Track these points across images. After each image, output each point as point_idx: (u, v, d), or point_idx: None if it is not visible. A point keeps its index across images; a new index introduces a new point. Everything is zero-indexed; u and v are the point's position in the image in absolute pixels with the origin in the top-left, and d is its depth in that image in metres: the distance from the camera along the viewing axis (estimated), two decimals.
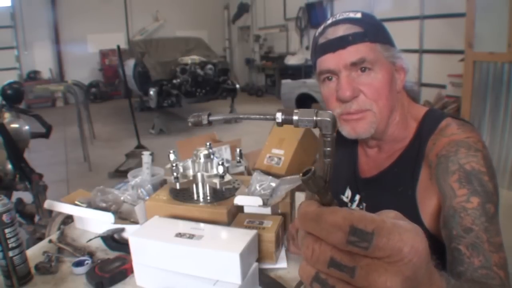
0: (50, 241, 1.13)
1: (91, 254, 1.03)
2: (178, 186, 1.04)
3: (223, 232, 0.92)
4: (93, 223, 1.18)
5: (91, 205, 1.22)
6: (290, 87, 7.21)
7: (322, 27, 0.82)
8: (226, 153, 1.62)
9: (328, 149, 0.32)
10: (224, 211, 1.01)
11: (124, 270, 0.93)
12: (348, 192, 0.95)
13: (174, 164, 1.04)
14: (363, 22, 0.78)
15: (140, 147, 4.88)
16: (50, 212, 1.92)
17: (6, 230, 0.86)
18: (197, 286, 0.83)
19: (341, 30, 0.77)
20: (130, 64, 7.36)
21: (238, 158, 1.32)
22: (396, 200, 0.80)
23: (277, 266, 0.96)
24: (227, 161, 1.38)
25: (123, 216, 1.17)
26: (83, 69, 10.09)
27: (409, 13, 5.53)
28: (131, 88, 6.82)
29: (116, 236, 1.10)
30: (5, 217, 0.86)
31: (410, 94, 0.87)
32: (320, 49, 0.80)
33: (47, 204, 1.22)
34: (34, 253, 1.04)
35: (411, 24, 5.48)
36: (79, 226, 1.23)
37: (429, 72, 5.29)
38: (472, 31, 3.35)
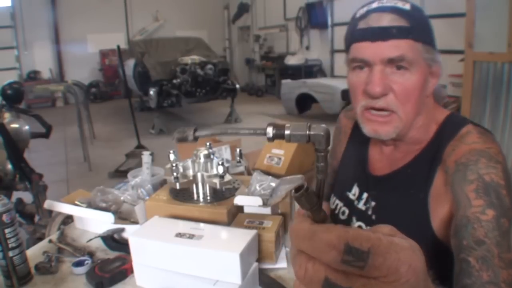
0: (50, 241, 1.13)
1: (91, 254, 1.03)
2: (178, 186, 1.04)
3: (223, 232, 0.92)
4: (93, 223, 1.18)
5: (91, 205, 1.22)
6: (290, 87, 7.21)
7: (365, 9, 0.75)
8: (226, 153, 1.62)
9: (322, 164, 0.30)
10: (224, 211, 1.01)
11: (124, 270, 0.93)
12: (356, 190, 0.92)
13: (174, 164, 1.04)
14: (411, 16, 0.71)
15: (140, 147, 4.88)
16: (50, 212, 1.92)
17: (6, 230, 0.86)
18: (197, 286, 0.83)
19: (386, 20, 0.71)
20: (130, 64, 7.36)
21: (238, 158, 1.32)
22: (407, 201, 0.78)
23: (277, 266, 0.96)
24: (227, 161, 1.38)
25: (123, 216, 1.17)
26: (83, 69, 10.10)
27: None
28: (131, 88, 6.81)
29: (116, 236, 1.10)
30: (5, 217, 0.86)
31: (435, 97, 0.84)
32: (359, 34, 0.74)
33: (47, 204, 1.22)
34: (34, 253, 1.04)
35: None
36: (79, 226, 1.23)
37: None
38: (472, 31, 3.36)
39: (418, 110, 0.77)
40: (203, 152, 1.07)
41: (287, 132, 0.31)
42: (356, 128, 0.90)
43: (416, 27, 0.72)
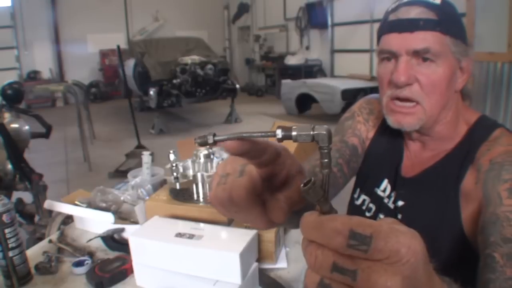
0: (50, 241, 1.13)
1: (91, 254, 1.03)
2: (178, 186, 1.04)
3: (223, 232, 0.92)
4: (93, 223, 1.18)
5: (91, 205, 1.22)
6: (290, 87, 7.22)
7: (396, 3, 0.77)
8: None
9: (326, 160, 0.34)
10: None
11: (124, 270, 0.93)
12: (386, 186, 0.90)
13: (174, 164, 1.04)
14: (440, 10, 0.72)
15: (140, 147, 4.88)
16: (50, 212, 1.92)
17: (6, 230, 0.86)
18: (197, 286, 0.83)
19: (414, 12, 0.72)
20: (130, 64, 7.36)
21: None
22: (437, 201, 0.78)
23: (277, 266, 0.96)
24: None
25: (123, 216, 1.18)
26: (83, 69, 10.10)
27: None
28: (131, 88, 6.82)
29: (116, 236, 1.10)
30: (5, 217, 0.86)
31: (466, 98, 0.84)
32: (387, 26, 0.76)
33: (47, 204, 1.22)
34: (34, 253, 1.04)
35: None
36: (79, 226, 1.23)
37: None
38: (472, 31, 3.36)
39: (444, 103, 0.77)
40: (203, 152, 1.07)
41: (294, 133, 0.35)
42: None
43: (444, 20, 0.72)
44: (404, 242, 0.29)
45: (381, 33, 0.79)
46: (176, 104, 6.60)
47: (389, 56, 0.77)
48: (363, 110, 1.00)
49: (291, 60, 9.12)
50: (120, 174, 3.97)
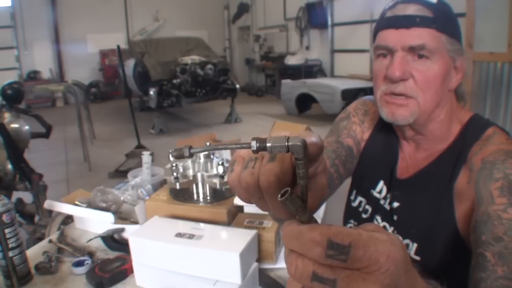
0: (50, 241, 1.13)
1: (91, 254, 1.03)
2: (178, 186, 1.04)
3: (223, 232, 0.92)
4: (93, 223, 1.18)
5: (91, 205, 1.22)
6: (290, 87, 7.22)
7: (394, 1, 0.78)
8: (226, 153, 1.62)
9: (302, 171, 0.33)
10: (224, 211, 1.01)
11: (124, 270, 0.93)
12: (382, 187, 0.90)
13: (174, 164, 1.04)
14: (436, 8, 0.74)
15: (140, 147, 4.88)
16: (50, 212, 1.92)
17: (6, 230, 0.86)
18: (197, 286, 0.83)
19: (411, 9, 0.74)
20: (130, 64, 7.36)
21: None
22: (432, 201, 0.78)
23: (277, 266, 0.96)
24: (227, 161, 1.38)
25: (123, 216, 1.18)
26: (83, 69, 10.10)
27: None
28: (131, 88, 6.82)
29: (116, 236, 1.10)
30: (5, 217, 0.86)
31: (460, 99, 0.84)
32: (384, 23, 0.77)
33: (47, 204, 1.22)
34: (34, 253, 1.04)
35: None
36: (79, 226, 1.23)
37: None
38: (472, 31, 3.36)
39: (438, 101, 0.77)
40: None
41: (268, 144, 0.34)
42: (381, 121, 0.88)
43: (440, 19, 0.73)
44: (383, 250, 0.29)
45: (377, 29, 0.80)
46: (176, 104, 6.60)
47: (385, 52, 0.78)
48: (358, 111, 1.01)
49: (291, 60, 9.12)
50: (120, 174, 3.97)
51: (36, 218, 2.48)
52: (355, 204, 0.96)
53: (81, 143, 4.79)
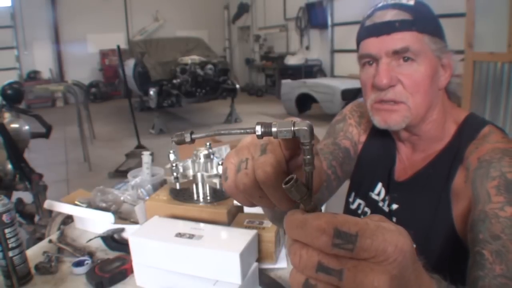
0: (50, 241, 1.13)
1: (91, 254, 1.03)
2: (178, 186, 1.04)
3: (223, 232, 0.92)
4: (93, 223, 1.18)
5: (91, 205, 1.22)
6: (290, 87, 7.21)
7: (372, 9, 0.78)
8: (226, 153, 1.62)
9: (308, 157, 0.32)
10: (224, 211, 1.01)
11: (124, 270, 0.93)
12: (381, 189, 0.91)
13: (174, 164, 1.04)
14: (414, 10, 0.73)
15: (140, 147, 4.88)
16: (50, 212, 1.92)
17: (6, 230, 0.86)
18: (197, 286, 0.83)
19: (389, 15, 0.74)
20: (130, 64, 7.36)
21: None
22: (430, 202, 0.78)
23: (277, 266, 0.96)
24: None
25: (123, 216, 1.18)
26: (83, 69, 10.10)
27: None
28: (131, 88, 6.82)
29: (116, 236, 1.10)
30: (5, 217, 0.86)
31: (452, 97, 0.84)
32: (365, 32, 0.77)
33: (47, 204, 1.22)
34: (34, 253, 1.04)
35: None
36: (79, 226, 1.23)
37: None
38: (472, 31, 3.35)
39: (429, 102, 0.77)
40: (203, 152, 1.07)
41: (274, 129, 0.33)
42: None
43: (420, 19, 0.73)
44: (391, 240, 0.28)
45: (359, 39, 0.80)
46: (176, 104, 6.60)
47: (369, 60, 0.78)
48: (354, 113, 1.01)
49: (291, 60, 9.11)
50: (120, 174, 3.97)
51: (36, 218, 2.48)
52: (353, 206, 0.96)
53: (81, 143, 4.79)
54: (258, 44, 10.88)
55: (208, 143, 1.12)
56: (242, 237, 0.85)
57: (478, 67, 3.37)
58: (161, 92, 6.45)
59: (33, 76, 9.57)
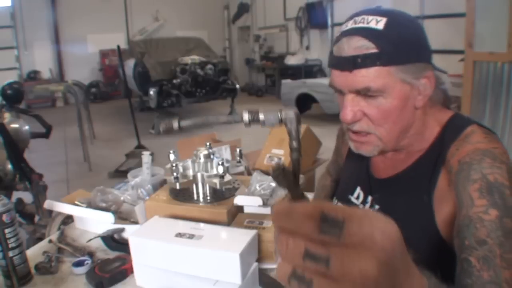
0: (50, 241, 1.13)
1: (91, 254, 1.03)
2: (178, 186, 1.04)
3: (223, 232, 0.92)
4: (93, 223, 1.18)
5: (91, 205, 1.22)
6: (290, 87, 7.21)
7: (341, 31, 0.74)
8: (226, 153, 1.62)
9: (294, 144, 0.32)
10: (224, 211, 1.01)
11: (124, 270, 0.93)
12: (360, 193, 0.91)
13: (174, 164, 1.04)
14: (381, 38, 0.68)
15: (140, 147, 4.88)
16: (50, 212, 1.92)
17: (6, 230, 0.86)
18: (197, 286, 0.83)
19: (353, 46, 0.69)
20: (130, 64, 7.36)
21: (238, 158, 1.32)
22: (411, 204, 0.77)
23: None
24: (227, 161, 1.38)
25: (123, 216, 1.17)
26: (83, 69, 10.10)
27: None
28: (131, 88, 6.81)
29: (116, 236, 1.10)
30: (5, 217, 0.86)
31: (443, 99, 0.83)
32: (331, 62, 0.75)
33: (47, 204, 1.22)
34: (34, 253, 1.04)
35: None
36: (79, 226, 1.23)
37: None
38: (472, 31, 3.35)
39: (402, 126, 0.76)
40: (203, 152, 1.07)
41: (261, 116, 0.33)
42: None
43: (386, 50, 0.68)
44: (378, 226, 0.28)
45: (329, 65, 0.78)
46: (176, 104, 6.59)
47: (338, 90, 0.77)
48: (341, 132, 1.06)
49: (291, 60, 9.11)
50: (120, 174, 3.97)
51: (36, 218, 2.48)
52: None
53: (81, 143, 4.79)
54: (258, 44, 10.87)
55: (208, 143, 1.12)
56: (242, 237, 0.85)
57: (478, 67, 3.36)
58: (161, 92, 6.45)
59: (33, 76, 9.57)
